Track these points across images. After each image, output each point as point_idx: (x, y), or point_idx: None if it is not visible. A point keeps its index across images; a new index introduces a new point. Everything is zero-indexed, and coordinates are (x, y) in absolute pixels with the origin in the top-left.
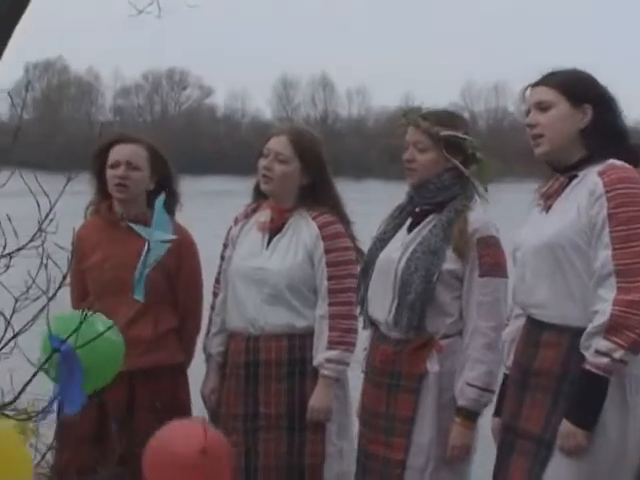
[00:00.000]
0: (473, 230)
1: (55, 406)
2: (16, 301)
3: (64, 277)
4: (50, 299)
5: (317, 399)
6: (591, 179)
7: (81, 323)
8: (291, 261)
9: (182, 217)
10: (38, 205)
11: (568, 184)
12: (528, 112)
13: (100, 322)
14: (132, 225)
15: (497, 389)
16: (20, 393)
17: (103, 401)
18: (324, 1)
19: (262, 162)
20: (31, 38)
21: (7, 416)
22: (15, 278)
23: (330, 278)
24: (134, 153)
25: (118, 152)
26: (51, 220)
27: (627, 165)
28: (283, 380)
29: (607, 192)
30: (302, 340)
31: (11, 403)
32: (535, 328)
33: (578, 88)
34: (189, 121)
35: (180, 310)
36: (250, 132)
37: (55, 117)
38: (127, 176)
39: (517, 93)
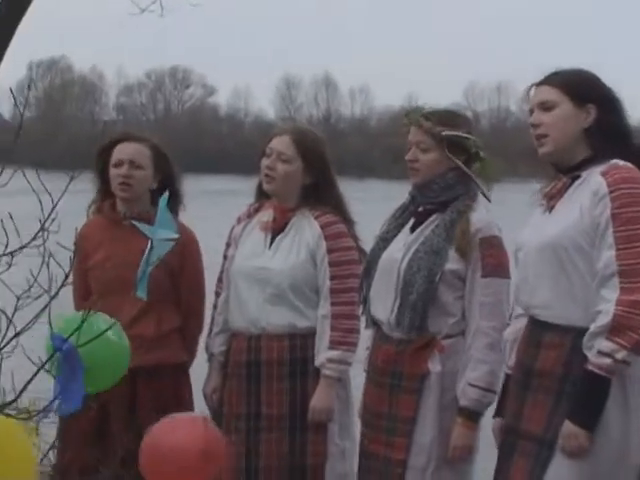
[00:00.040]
0: (476, 230)
1: (56, 405)
2: (18, 299)
3: (66, 276)
4: (52, 298)
5: (318, 399)
6: (594, 179)
7: (83, 322)
8: (294, 261)
9: (185, 216)
10: (40, 204)
11: (571, 184)
12: (531, 112)
13: (103, 322)
14: (135, 223)
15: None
16: (21, 392)
17: (105, 400)
18: (325, 1)
19: (265, 162)
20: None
21: (8, 415)
22: (17, 277)
23: (332, 278)
24: (137, 152)
25: (121, 151)
26: (53, 219)
27: (630, 165)
28: (285, 380)
29: (611, 192)
30: (304, 340)
31: (12, 402)
32: (537, 328)
33: (582, 88)
34: (192, 120)
35: (183, 309)
36: (253, 131)
37: (58, 116)
38: (130, 175)
39: (520, 93)
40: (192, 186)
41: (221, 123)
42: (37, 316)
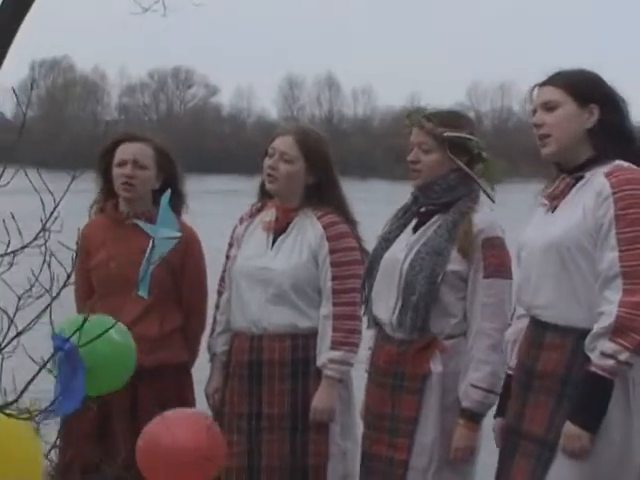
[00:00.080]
0: (478, 231)
1: (57, 405)
2: (19, 299)
3: (68, 276)
4: (54, 298)
5: (320, 400)
6: (598, 180)
7: (84, 322)
8: (296, 261)
9: (187, 215)
10: (42, 203)
11: (574, 185)
12: (534, 112)
13: (106, 322)
14: (137, 221)
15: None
16: (22, 392)
17: (106, 400)
18: (328, 1)
19: (267, 161)
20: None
21: (9, 415)
22: (18, 276)
23: (334, 278)
24: (140, 152)
25: (125, 151)
26: (55, 218)
27: (634, 166)
28: (286, 380)
29: (614, 193)
30: (305, 340)
31: (13, 402)
32: (539, 329)
33: (585, 88)
34: (194, 120)
35: (185, 308)
36: (255, 131)
37: (60, 115)
38: (134, 175)
39: (523, 93)
40: (195, 186)
41: (223, 123)
42: (38, 316)
